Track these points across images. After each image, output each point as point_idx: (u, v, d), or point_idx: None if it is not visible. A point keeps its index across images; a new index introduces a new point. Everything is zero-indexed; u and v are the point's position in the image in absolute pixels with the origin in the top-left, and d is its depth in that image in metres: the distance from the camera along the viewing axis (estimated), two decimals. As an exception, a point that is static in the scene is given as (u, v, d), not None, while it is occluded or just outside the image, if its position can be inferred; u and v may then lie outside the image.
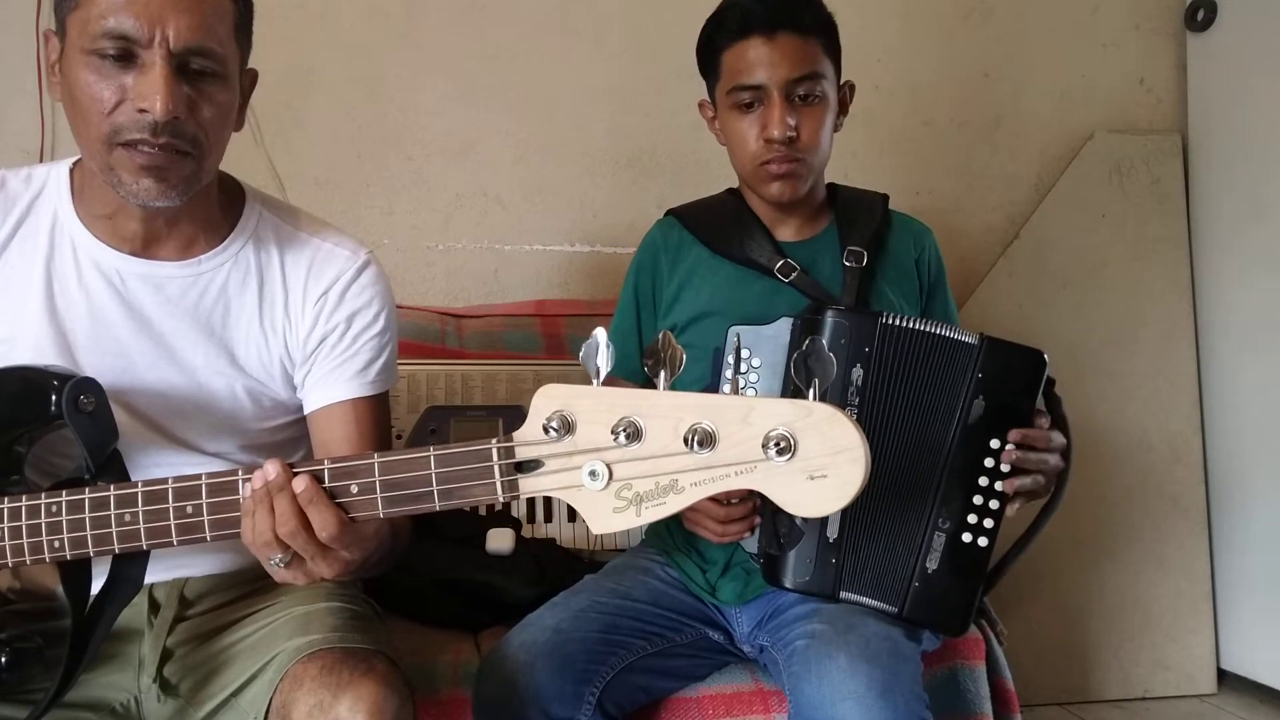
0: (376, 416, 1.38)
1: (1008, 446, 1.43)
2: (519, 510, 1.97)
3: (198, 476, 1.04)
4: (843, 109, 1.67)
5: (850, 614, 1.42)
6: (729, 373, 1.51)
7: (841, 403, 1.44)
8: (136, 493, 1.05)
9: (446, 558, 1.82)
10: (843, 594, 1.45)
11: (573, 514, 1.99)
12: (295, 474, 1.00)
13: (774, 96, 1.55)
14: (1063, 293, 2.69)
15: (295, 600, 1.29)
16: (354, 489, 0.99)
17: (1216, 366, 2.69)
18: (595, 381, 0.88)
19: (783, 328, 1.49)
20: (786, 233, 1.68)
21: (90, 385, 1.11)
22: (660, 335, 0.88)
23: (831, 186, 1.74)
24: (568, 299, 2.51)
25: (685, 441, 0.83)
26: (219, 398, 1.32)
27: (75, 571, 1.10)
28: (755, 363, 1.50)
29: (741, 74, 1.57)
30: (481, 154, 2.53)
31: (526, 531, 1.96)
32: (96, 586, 1.12)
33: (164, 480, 1.05)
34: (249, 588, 1.38)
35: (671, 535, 1.68)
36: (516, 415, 2.01)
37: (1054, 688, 2.61)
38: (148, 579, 1.19)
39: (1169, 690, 2.66)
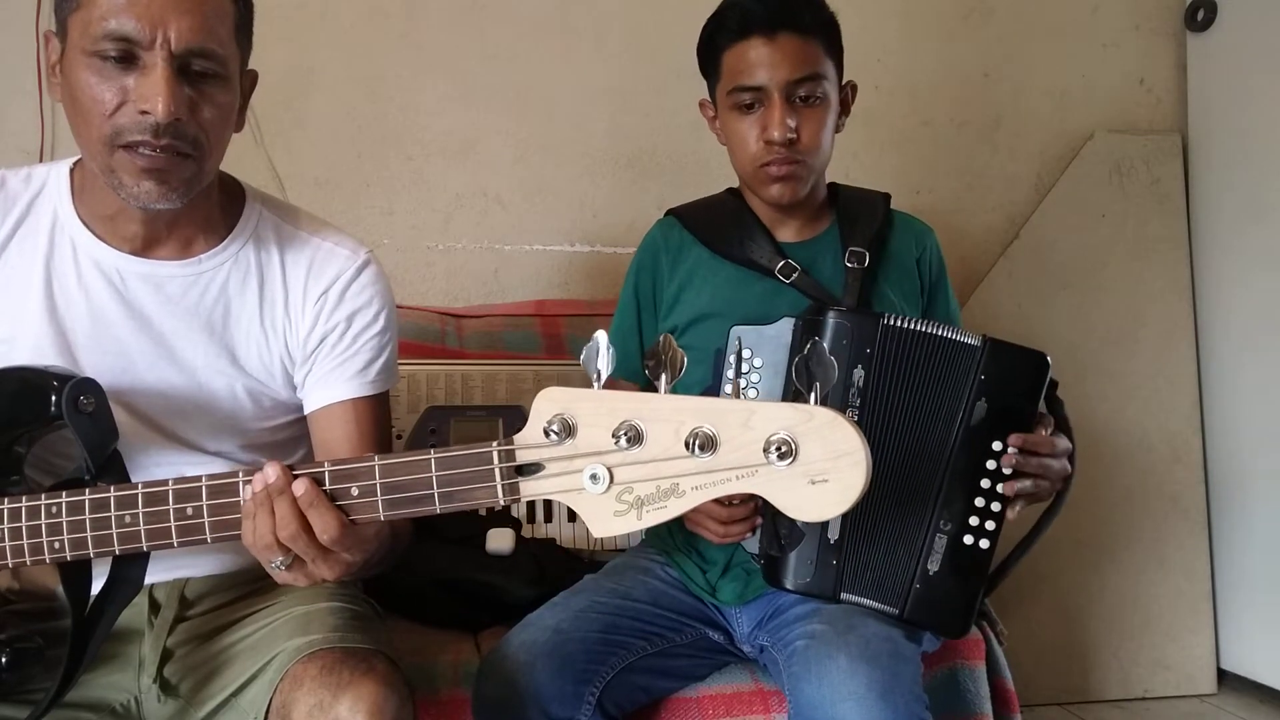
0: (377, 416, 1.38)
1: (1009, 450, 1.43)
2: (519, 510, 1.97)
3: (198, 478, 1.04)
4: (845, 109, 1.66)
5: (850, 614, 1.42)
6: (730, 373, 1.51)
7: (843, 404, 1.44)
8: (137, 494, 1.05)
9: (446, 558, 1.82)
10: (843, 595, 1.45)
11: (573, 514, 1.97)
12: (295, 477, 1.00)
13: (774, 98, 1.55)
14: (1063, 293, 2.69)
15: (295, 600, 1.29)
16: (354, 491, 0.99)
17: (1216, 366, 2.69)
18: (596, 384, 0.88)
19: (784, 328, 1.49)
20: (787, 233, 1.68)
21: (90, 386, 1.11)
22: (661, 338, 0.87)
23: (833, 186, 1.73)
24: (568, 299, 2.51)
25: (686, 445, 0.83)
26: (219, 397, 1.32)
27: (75, 572, 1.10)
28: (757, 363, 1.50)
29: (742, 75, 1.57)
30: (481, 154, 2.53)
31: (526, 532, 1.96)
32: (97, 587, 1.12)
33: (164, 482, 1.05)
34: (249, 588, 1.38)
35: (672, 535, 1.68)
36: (516, 415, 2.01)
37: (1054, 688, 2.61)
38: (148, 579, 1.19)
39: (1169, 690, 2.66)
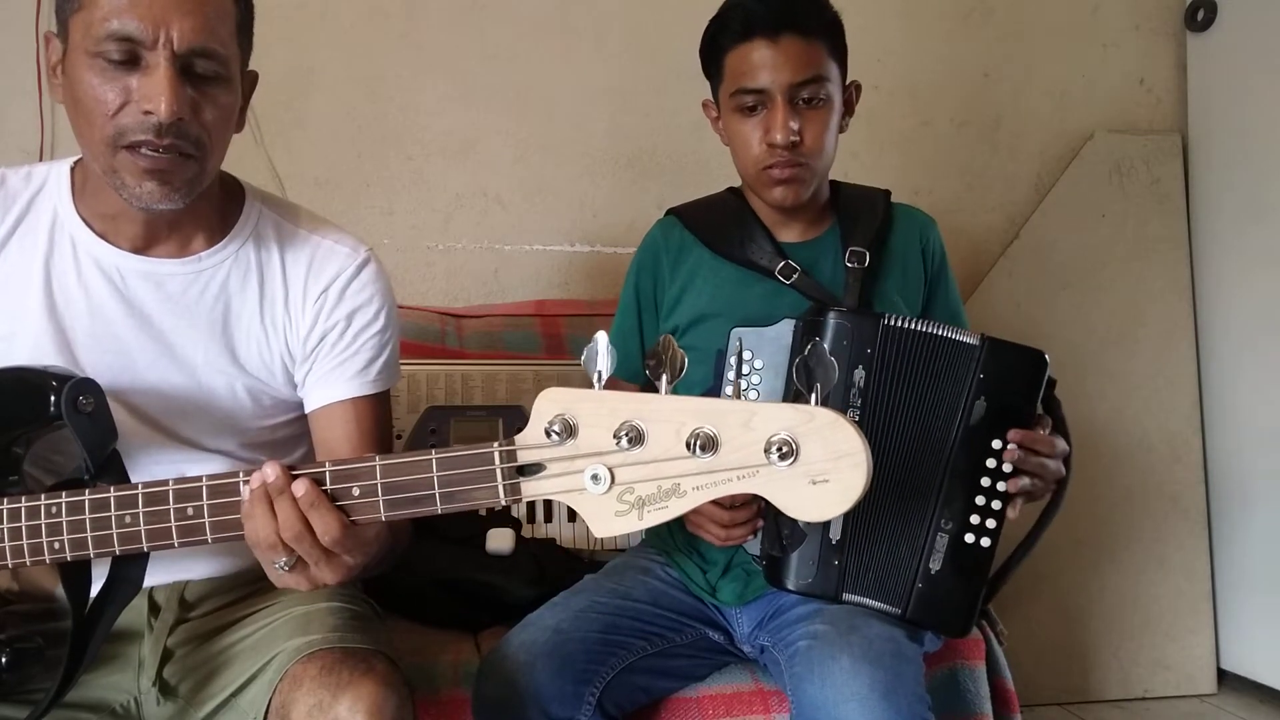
0: (378, 415, 1.38)
1: (1009, 446, 1.43)
2: (519, 511, 1.97)
3: (198, 478, 1.04)
4: (848, 110, 1.66)
5: (853, 615, 1.42)
6: (731, 374, 1.51)
7: (844, 404, 1.44)
8: (137, 494, 1.05)
9: (446, 558, 1.82)
10: (845, 595, 1.45)
11: (573, 514, 1.99)
12: (295, 477, 1.00)
13: (777, 100, 1.54)
14: (1063, 293, 2.69)
15: (295, 600, 1.29)
16: (355, 492, 0.99)
17: (1216, 366, 2.69)
18: (596, 385, 0.88)
19: (785, 329, 1.49)
20: (789, 234, 1.68)
21: (89, 386, 1.11)
22: (661, 339, 0.88)
23: (834, 185, 1.73)
24: (568, 299, 2.51)
25: (687, 446, 0.83)
26: (219, 396, 1.32)
27: (75, 572, 1.10)
28: (758, 364, 1.50)
29: (744, 77, 1.56)
30: (481, 154, 2.53)
31: (526, 531, 1.96)
32: (97, 588, 1.12)
33: (164, 482, 1.05)
34: (249, 589, 1.38)
35: (672, 535, 1.68)
36: (516, 415, 2.02)
37: (1054, 688, 2.61)
38: (148, 582, 1.19)
39: (1169, 690, 2.66)
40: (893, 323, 1.45)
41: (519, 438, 0.91)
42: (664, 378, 0.86)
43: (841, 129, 1.64)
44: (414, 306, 2.32)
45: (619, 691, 1.46)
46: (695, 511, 0.85)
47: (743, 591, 1.58)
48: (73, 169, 1.31)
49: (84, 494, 1.07)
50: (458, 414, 2.03)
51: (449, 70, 2.50)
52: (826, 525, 1.45)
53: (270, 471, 1.00)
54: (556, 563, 1.87)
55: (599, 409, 0.86)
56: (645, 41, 2.58)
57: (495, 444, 0.92)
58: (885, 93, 2.67)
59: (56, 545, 1.07)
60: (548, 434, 0.88)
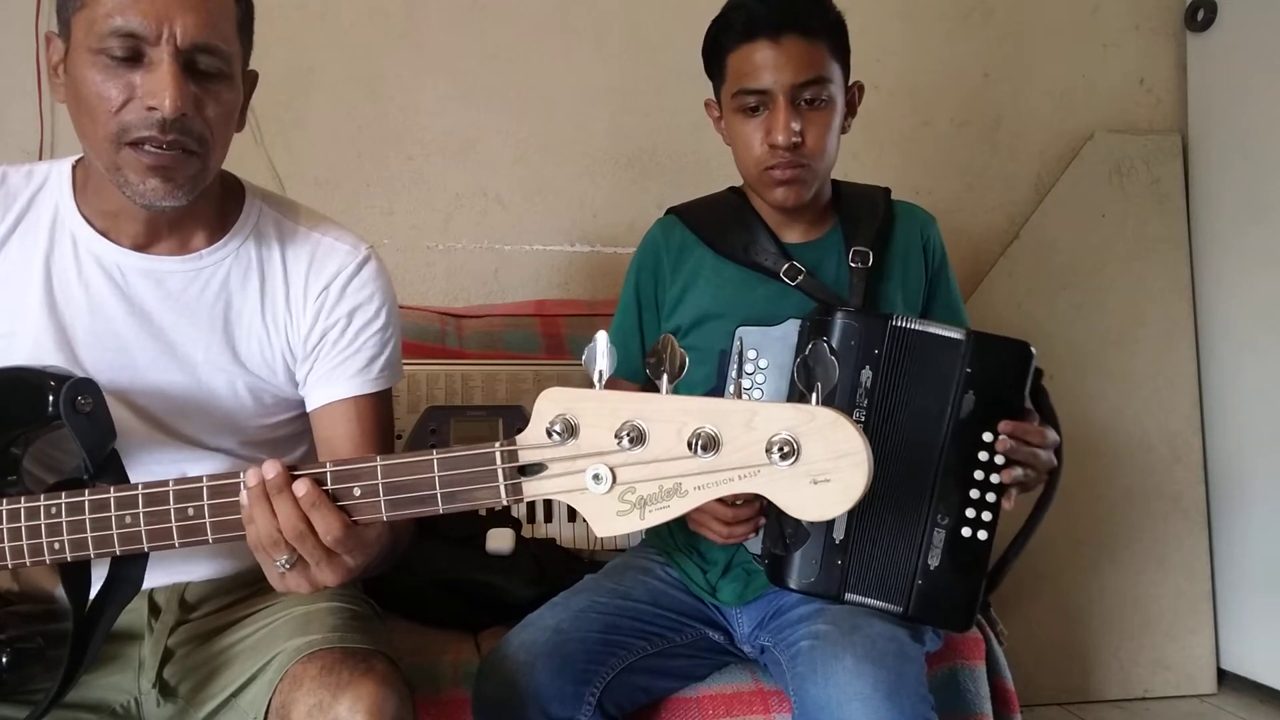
0: (379, 414, 1.38)
1: (1001, 438, 1.43)
2: (519, 511, 1.97)
3: (198, 478, 1.04)
4: (851, 110, 1.65)
5: (855, 614, 1.42)
6: (734, 373, 1.51)
7: (850, 404, 1.44)
8: (137, 495, 1.05)
9: (446, 558, 1.82)
10: (848, 595, 1.45)
11: (573, 514, 1.99)
12: (296, 477, 1.00)
13: (779, 101, 1.54)
14: (1063, 293, 2.69)
15: (295, 600, 1.28)
16: (357, 492, 0.99)
17: (1216, 366, 2.69)
18: (597, 385, 0.88)
19: (790, 329, 1.49)
20: (792, 234, 1.68)
21: (87, 386, 1.11)
22: (662, 339, 0.88)
23: (835, 184, 1.72)
24: (568, 299, 2.51)
25: (689, 445, 0.83)
26: (220, 394, 1.32)
27: (75, 573, 1.10)
28: (762, 364, 1.50)
29: (746, 77, 1.56)
30: (481, 154, 2.53)
31: (526, 531, 1.96)
32: (97, 588, 1.12)
33: (165, 482, 1.05)
34: (249, 590, 1.38)
35: (672, 535, 1.68)
36: (516, 415, 2.02)
37: (1054, 688, 2.61)
38: (148, 584, 1.19)
39: (1169, 690, 2.66)
40: (901, 323, 1.45)
41: (520, 438, 0.91)
42: (664, 378, 0.86)
43: (844, 129, 1.64)
44: (414, 306, 2.32)
45: (619, 691, 1.46)
46: (697, 509, 0.85)
47: (743, 591, 1.59)
48: (74, 167, 1.31)
49: (83, 494, 1.07)
50: (458, 414, 2.03)
51: (449, 70, 2.50)
52: (830, 525, 1.45)
53: (269, 469, 1.00)
54: (556, 563, 1.87)
55: (600, 409, 0.86)
56: (645, 41, 2.58)
57: (497, 444, 0.92)
58: (885, 93, 2.67)
59: (56, 545, 1.07)
60: (549, 434, 0.88)
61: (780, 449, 0.80)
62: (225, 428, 1.33)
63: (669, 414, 0.84)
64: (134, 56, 1.14)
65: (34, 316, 1.26)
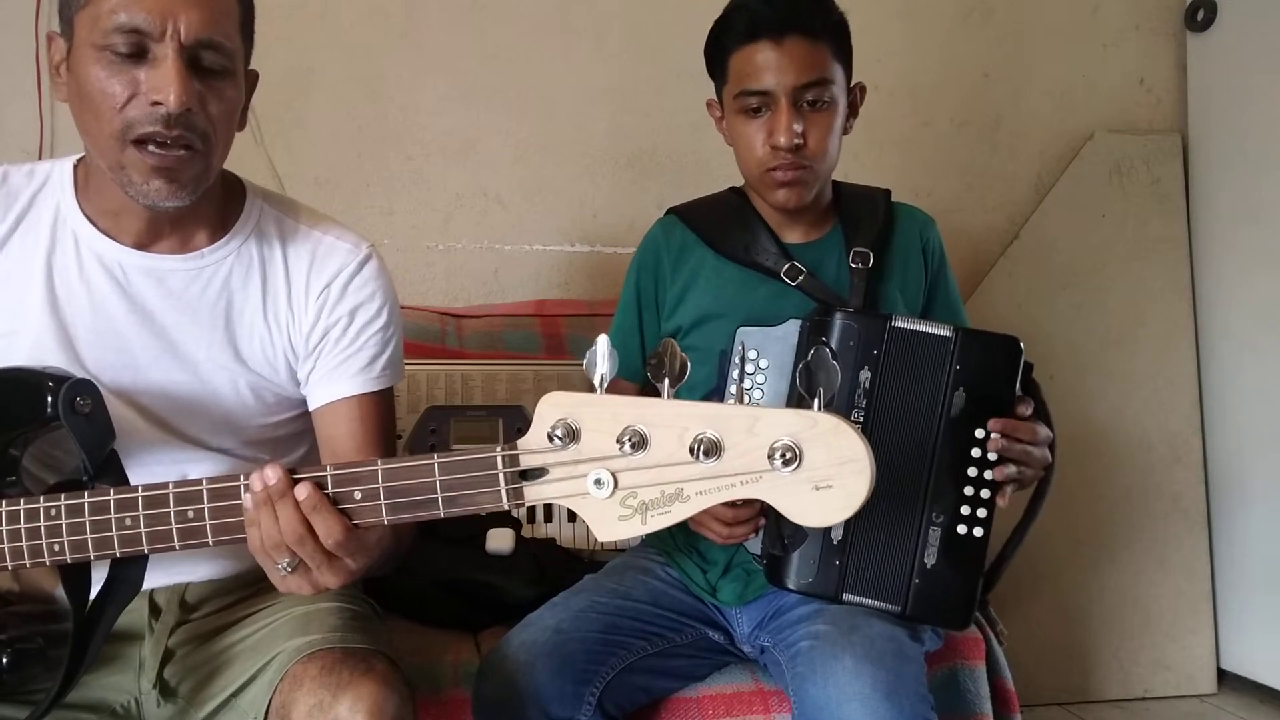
0: (381, 413, 1.38)
1: (992, 435, 1.43)
2: (519, 511, 1.97)
3: (199, 482, 1.04)
4: (853, 111, 1.65)
5: (854, 614, 1.42)
6: (734, 373, 1.51)
7: (849, 405, 1.44)
8: (137, 497, 1.05)
9: (447, 558, 1.82)
10: (846, 595, 1.45)
11: (573, 514, 1.98)
12: (297, 481, 1.00)
13: (781, 103, 1.54)
14: (1063, 293, 2.69)
15: (295, 600, 1.28)
16: (357, 495, 0.99)
17: (1216, 366, 2.69)
18: (599, 389, 0.88)
19: (791, 329, 1.50)
20: (792, 235, 1.68)
21: (86, 387, 1.11)
22: (663, 343, 0.88)
23: (835, 185, 1.72)
24: (568, 299, 2.51)
25: (691, 451, 0.83)
26: (222, 393, 1.32)
27: (75, 573, 1.10)
28: (763, 364, 1.50)
29: (749, 79, 1.55)
30: (481, 154, 2.53)
31: (526, 532, 1.96)
32: (97, 588, 1.12)
33: (164, 485, 1.05)
34: (249, 590, 1.38)
35: (672, 536, 1.68)
36: (517, 415, 2.02)
37: (1054, 688, 2.61)
38: (148, 584, 1.19)
39: (1169, 690, 2.66)
40: (899, 324, 1.45)
41: (521, 442, 0.91)
42: (666, 383, 0.86)
43: (845, 131, 1.64)
44: (414, 306, 2.32)
45: (619, 691, 1.46)
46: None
47: (743, 591, 1.59)
48: (75, 166, 1.31)
49: (83, 496, 1.07)
50: (458, 414, 2.03)
51: (449, 70, 2.50)
52: (828, 526, 1.45)
53: (271, 474, 0.99)
54: (556, 563, 1.87)
55: (601, 413, 0.86)
56: (645, 41, 2.58)
57: (498, 448, 0.92)
58: (885, 93, 2.66)
59: (56, 547, 1.07)
60: (550, 438, 0.88)
61: (783, 455, 0.80)
62: (227, 427, 1.33)
63: (671, 419, 0.84)
64: (138, 53, 1.14)
65: (35, 315, 1.26)
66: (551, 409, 0.88)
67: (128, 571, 1.11)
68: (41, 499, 1.08)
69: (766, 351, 1.50)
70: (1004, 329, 1.50)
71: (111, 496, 1.06)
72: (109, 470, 1.12)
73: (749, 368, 1.51)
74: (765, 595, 1.57)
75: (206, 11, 1.16)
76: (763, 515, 1.48)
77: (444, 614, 1.78)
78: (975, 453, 1.44)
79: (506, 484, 0.92)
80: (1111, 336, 2.69)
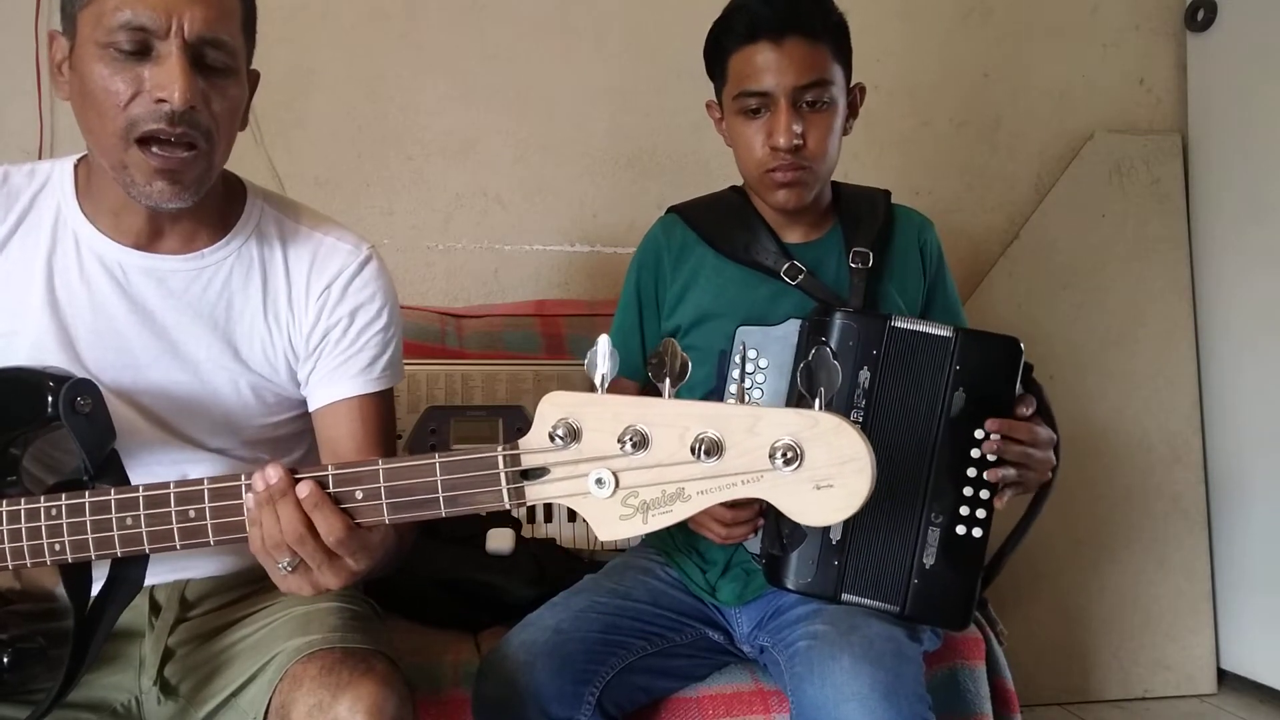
0: (381, 413, 1.38)
1: (992, 436, 1.43)
2: (519, 511, 1.97)
3: (199, 481, 1.04)
4: (853, 112, 1.65)
5: (852, 614, 1.42)
6: (735, 373, 1.51)
7: (848, 405, 1.44)
8: (138, 497, 1.05)
9: (447, 558, 1.82)
10: (844, 596, 1.45)
11: (573, 514, 1.99)
12: (299, 480, 1.00)
13: (781, 103, 1.54)
14: (1063, 293, 2.69)
15: (295, 600, 1.28)
16: (359, 495, 0.99)
17: (1216, 366, 2.70)
18: (600, 389, 0.88)
19: (791, 329, 1.50)
20: (793, 234, 1.68)
21: (87, 386, 1.11)
22: (664, 343, 0.88)
23: (835, 185, 1.72)
24: (568, 299, 2.51)
25: (692, 450, 0.83)
26: (223, 393, 1.32)
27: (76, 572, 1.10)
28: (763, 364, 1.50)
29: (748, 79, 1.55)
30: (481, 154, 2.53)
31: (526, 531, 1.96)
32: (97, 587, 1.12)
33: (165, 484, 1.05)
34: (250, 588, 1.38)
35: (672, 536, 1.68)
36: (517, 415, 2.02)
37: (1054, 688, 2.61)
38: (149, 581, 1.19)
39: (1169, 690, 2.66)
40: (899, 324, 1.45)
41: (523, 441, 0.91)
42: (666, 383, 0.86)
43: (845, 131, 1.64)
44: (414, 306, 2.32)
45: (619, 691, 1.46)
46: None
47: (742, 591, 1.59)
48: (76, 166, 1.31)
49: (84, 496, 1.07)
50: (458, 414, 2.03)
51: (449, 70, 2.50)
52: (826, 526, 1.45)
53: (273, 473, 0.99)
54: (556, 563, 1.87)
55: (603, 413, 0.86)
56: (645, 41, 2.58)
57: (499, 448, 0.92)
58: (885, 93, 2.66)
59: (57, 547, 1.07)
60: (551, 438, 0.88)
61: (784, 454, 0.80)
62: (227, 427, 1.33)
63: (672, 418, 0.84)
64: (142, 50, 1.14)
65: (36, 316, 1.26)
66: (553, 408, 0.88)
67: (128, 571, 1.11)
68: (42, 499, 1.08)
69: (766, 351, 1.50)
70: (1004, 329, 1.50)
71: (113, 496, 1.06)
72: (109, 470, 1.12)
73: (749, 367, 1.51)
74: (764, 595, 1.57)
75: (210, 9, 1.16)
76: (762, 515, 1.48)
77: (444, 614, 1.78)
78: (975, 453, 1.44)
79: (508, 483, 0.92)
80: (1111, 336, 2.69)
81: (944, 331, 1.46)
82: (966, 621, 1.49)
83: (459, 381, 2.11)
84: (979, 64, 2.78)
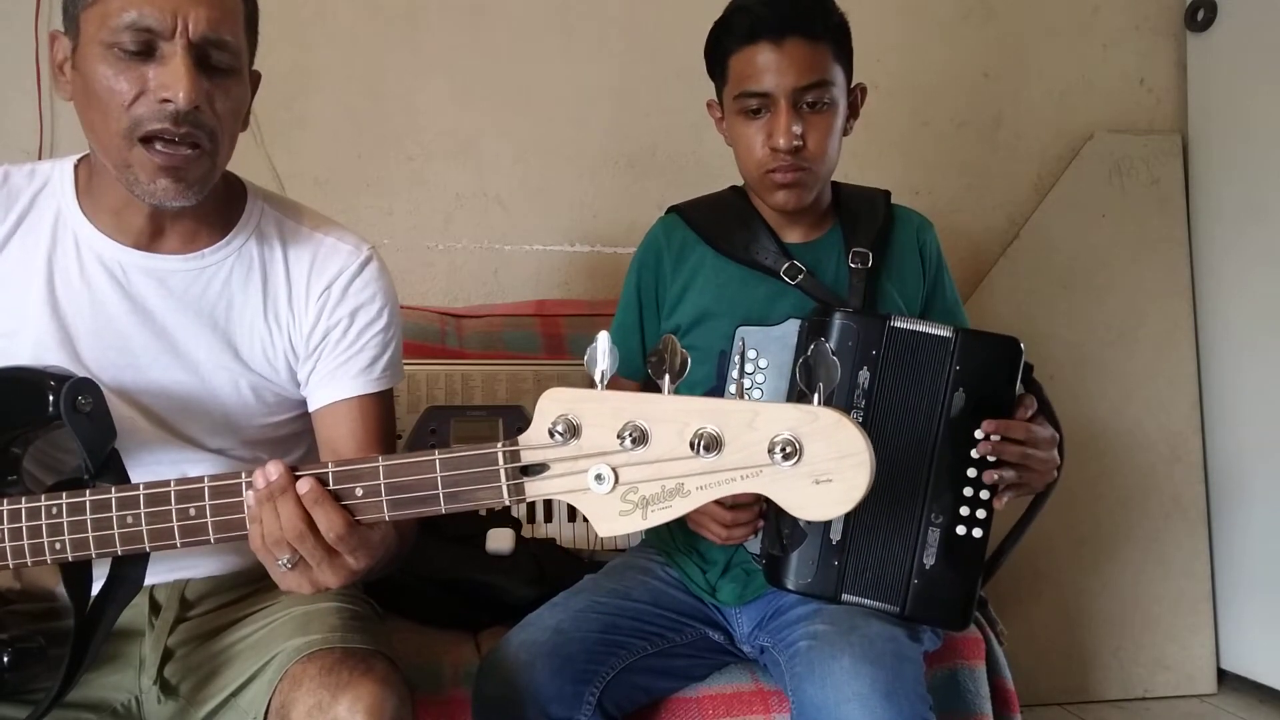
0: (381, 414, 1.38)
1: (992, 437, 1.43)
2: (519, 510, 1.97)
3: (200, 479, 1.04)
4: (853, 112, 1.65)
5: (853, 614, 1.42)
6: (734, 373, 1.51)
7: (848, 405, 1.44)
8: (138, 495, 1.05)
9: (447, 558, 1.82)
10: (844, 596, 1.45)
11: (573, 514, 1.99)
12: (299, 476, 1.00)
13: (781, 104, 1.53)
14: (1063, 293, 2.69)
15: (295, 600, 1.28)
16: (359, 492, 0.99)
17: (1216, 366, 2.70)
18: (599, 385, 0.88)
19: (790, 329, 1.50)
20: (793, 234, 1.68)
21: (88, 386, 1.11)
22: (664, 339, 0.88)
23: (834, 186, 1.72)
24: (568, 299, 2.51)
25: (691, 446, 0.83)
26: (223, 393, 1.32)
27: (76, 572, 1.10)
28: (762, 364, 1.50)
29: (748, 80, 1.55)
30: (481, 154, 2.53)
31: (527, 531, 1.96)
32: (98, 587, 1.12)
33: (166, 483, 1.05)
34: (250, 588, 1.38)
35: (672, 536, 1.68)
36: (517, 415, 2.02)
37: (1054, 688, 2.61)
38: (148, 580, 1.19)
39: (1169, 690, 2.66)
40: (898, 324, 1.45)
41: (523, 438, 0.91)
42: (666, 379, 0.86)
43: (846, 132, 1.64)
44: (414, 306, 2.32)
45: (619, 691, 1.46)
46: (697, 510, 0.86)
47: (742, 591, 1.59)
48: (76, 166, 1.32)
49: (84, 495, 1.07)
50: (458, 414, 2.03)
51: (449, 70, 2.50)
52: (827, 525, 1.45)
53: (273, 470, 1.00)
54: (556, 563, 1.87)
55: (602, 409, 0.87)
56: (645, 41, 2.58)
57: (499, 444, 0.92)
58: (885, 93, 2.66)
59: (58, 545, 1.07)
60: (551, 434, 0.88)
61: (783, 449, 0.80)
62: (227, 427, 1.33)
63: (671, 414, 0.84)
64: (146, 50, 1.14)
65: (36, 315, 1.26)
66: (552, 404, 0.88)
67: (128, 570, 1.11)
68: (43, 497, 1.08)
69: (766, 351, 1.50)
70: (1004, 329, 1.50)
71: (113, 494, 1.06)
72: (110, 469, 1.12)
73: (749, 367, 1.51)
74: (765, 595, 1.57)
75: (214, 10, 1.16)
76: (762, 516, 1.48)
77: (444, 614, 1.78)
78: (975, 453, 1.45)
79: (508, 479, 0.92)
80: (1111, 336, 2.69)
81: (944, 331, 1.46)
82: (967, 622, 1.49)
83: (459, 381, 2.11)
84: (979, 64, 2.78)
